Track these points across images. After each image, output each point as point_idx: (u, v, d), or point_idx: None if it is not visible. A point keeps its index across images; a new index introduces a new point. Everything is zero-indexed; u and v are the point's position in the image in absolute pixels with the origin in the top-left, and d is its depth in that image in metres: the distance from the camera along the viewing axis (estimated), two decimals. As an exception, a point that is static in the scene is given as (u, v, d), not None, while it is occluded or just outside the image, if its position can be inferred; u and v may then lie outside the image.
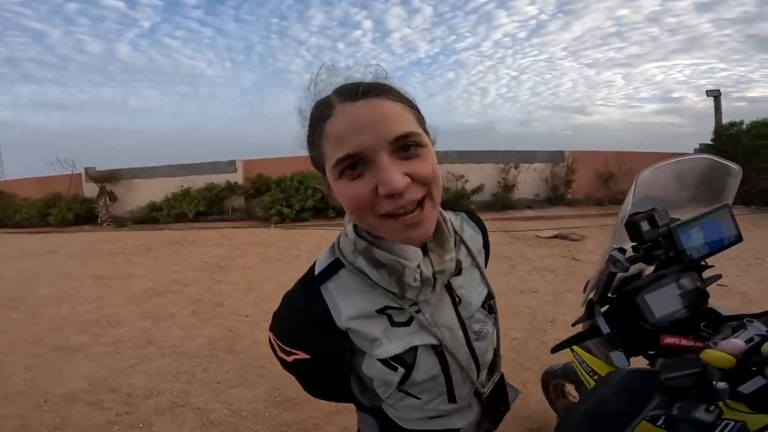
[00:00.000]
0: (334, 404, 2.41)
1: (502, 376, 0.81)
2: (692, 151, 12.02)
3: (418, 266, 0.61)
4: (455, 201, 10.55)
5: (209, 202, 11.12)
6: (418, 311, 0.66)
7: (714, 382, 0.67)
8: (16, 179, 13.22)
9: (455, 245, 0.69)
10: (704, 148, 11.78)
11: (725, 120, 11.85)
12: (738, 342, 0.82)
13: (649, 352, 1.02)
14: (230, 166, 11.59)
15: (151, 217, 11.15)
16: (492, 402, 0.78)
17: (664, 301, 0.98)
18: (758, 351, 0.85)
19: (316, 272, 0.68)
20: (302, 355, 0.68)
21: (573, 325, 1.22)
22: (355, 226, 0.66)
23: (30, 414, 2.46)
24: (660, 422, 0.81)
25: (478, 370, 0.74)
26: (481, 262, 0.76)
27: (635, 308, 0.98)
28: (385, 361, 0.65)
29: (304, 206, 10.01)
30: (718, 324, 1.00)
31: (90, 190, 11.90)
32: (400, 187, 0.51)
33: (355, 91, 0.54)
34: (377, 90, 0.55)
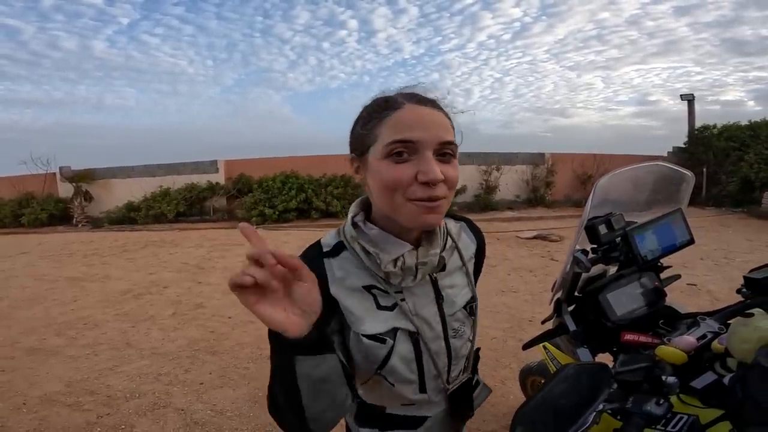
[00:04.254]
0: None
1: (470, 380, 0.86)
2: (666, 154, 12.40)
3: (402, 256, 0.69)
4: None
5: (190, 203, 10.95)
6: (403, 299, 0.73)
7: (664, 377, 0.72)
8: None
9: (445, 247, 0.77)
10: (677, 151, 12.17)
11: (699, 123, 12.26)
12: (690, 339, 0.88)
13: (613, 349, 1.09)
14: (212, 166, 11.45)
15: (129, 217, 10.92)
16: (456, 399, 0.83)
17: (624, 300, 1.05)
18: (709, 347, 0.91)
19: (323, 249, 0.76)
20: None
21: (543, 322, 1.28)
22: (353, 217, 0.75)
23: (9, 416, 2.43)
24: (619, 417, 0.87)
25: (450, 365, 0.80)
26: (470, 269, 0.84)
27: (598, 306, 1.04)
28: (372, 336, 0.71)
29: (287, 207, 9.97)
30: (675, 321, 1.06)
31: (65, 189, 11.59)
32: (440, 176, 0.61)
33: (424, 99, 0.67)
34: (439, 105, 0.68)
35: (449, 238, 0.80)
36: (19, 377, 2.90)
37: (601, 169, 11.27)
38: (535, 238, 7.35)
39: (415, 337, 0.74)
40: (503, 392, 2.52)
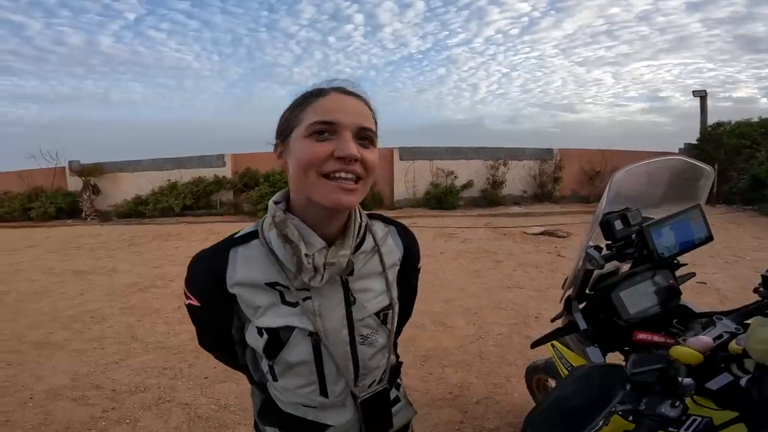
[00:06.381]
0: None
1: (385, 390, 0.84)
2: (677, 151, 12.23)
3: (314, 254, 0.69)
4: (444, 197, 10.60)
5: (196, 197, 10.99)
6: (308, 298, 0.72)
7: (680, 378, 0.69)
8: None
9: (359, 248, 0.76)
10: (689, 148, 11.99)
11: (711, 120, 12.05)
12: (706, 339, 0.85)
13: (624, 348, 1.06)
14: (219, 160, 11.47)
15: (136, 211, 11.00)
16: (370, 410, 0.80)
17: (637, 298, 1.02)
18: (726, 348, 0.88)
19: (236, 236, 0.77)
20: (194, 302, 0.78)
21: (552, 320, 1.25)
22: (275, 202, 0.75)
23: (14, 410, 2.43)
24: (631, 417, 0.84)
25: (357, 373, 0.78)
26: (392, 275, 0.82)
27: (610, 305, 1.01)
28: (258, 329, 0.73)
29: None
30: (690, 321, 1.03)
31: (74, 183, 11.67)
32: (355, 153, 0.64)
33: (349, 90, 0.71)
34: (364, 98, 0.72)
35: (372, 239, 0.79)
36: (25, 371, 2.92)
37: (609, 165, 11.15)
38: (542, 233, 7.30)
39: (315, 338, 0.72)
40: (507, 390, 2.49)
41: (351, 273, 0.73)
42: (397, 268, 0.84)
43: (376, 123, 0.72)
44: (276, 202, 0.75)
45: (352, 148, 0.64)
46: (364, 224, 0.78)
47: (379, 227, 0.84)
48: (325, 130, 0.65)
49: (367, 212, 0.84)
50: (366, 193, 0.71)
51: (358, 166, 0.66)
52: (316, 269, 0.68)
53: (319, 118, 0.65)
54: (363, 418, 0.79)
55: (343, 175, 0.65)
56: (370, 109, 0.72)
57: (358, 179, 0.67)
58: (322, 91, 0.69)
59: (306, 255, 0.68)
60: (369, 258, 0.79)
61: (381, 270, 0.80)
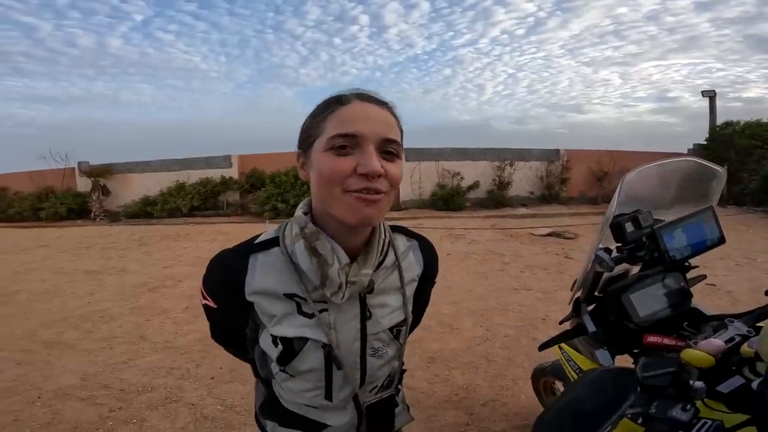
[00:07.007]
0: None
1: (391, 397, 0.84)
2: (686, 151, 12.10)
3: (338, 270, 0.68)
4: (450, 198, 10.57)
5: (204, 197, 11.07)
6: (324, 310, 0.72)
7: (691, 382, 0.68)
8: (7, 173, 13.00)
9: (382, 264, 0.74)
10: (698, 149, 11.86)
11: (721, 120, 11.92)
12: (717, 342, 0.84)
13: (634, 351, 1.05)
14: (225, 161, 11.55)
15: (145, 211, 11.10)
16: (372, 415, 0.81)
17: (647, 301, 1.01)
18: (738, 351, 0.87)
19: (255, 242, 0.76)
20: (211, 303, 0.79)
21: (560, 323, 1.24)
22: (304, 212, 0.74)
23: (22, 409, 2.45)
24: (640, 420, 0.83)
25: (363, 382, 0.78)
26: (409, 291, 0.81)
27: (620, 307, 1.00)
28: (273, 337, 0.72)
29: (299, 201, 9.96)
30: (701, 323, 1.02)
31: (83, 184, 11.81)
32: (379, 169, 0.60)
33: (372, 98, 0.67)
34: (388, 105, 0.68)
35: (393, 254, 0.78)
36: (35, 370, 2.95)
37: (618, 166, 11.06)
38: (549, 235, 7.25)
39: (327, 349, 0.72)
40: (514, 392, 2.48)
41: (371, 291, 0.73)
42: (416, 284, 0.83)
43: (401, 132, 0.69)
44: (304, 213, 0.73)
45: (376, 164, 0.60)
46: (387, 241, 0.76)
47: (401, 241, 0.83)
48: (347, 143, 0.61)
49: (390, 224, 0.82)
50: (389, 206, 0.67)
51: (381, 182, 0.62)
52: (339, 286, 0.68)
53: (340, 131, 0.62)
54: (366, 422, 0.80)
55: (365, 193, 0.62)
56: (395, 117, 0.68)
57: (382, 193, 0.64)
58: (343, 99, 0.65)
59: (337, 268, 0.67)
60: (389, 273, 0.78)
61: (399, 286, 0.79)
